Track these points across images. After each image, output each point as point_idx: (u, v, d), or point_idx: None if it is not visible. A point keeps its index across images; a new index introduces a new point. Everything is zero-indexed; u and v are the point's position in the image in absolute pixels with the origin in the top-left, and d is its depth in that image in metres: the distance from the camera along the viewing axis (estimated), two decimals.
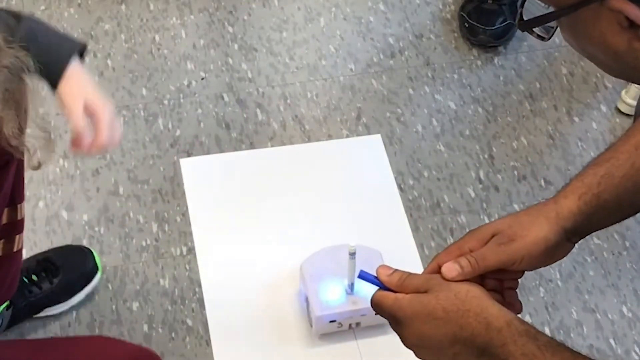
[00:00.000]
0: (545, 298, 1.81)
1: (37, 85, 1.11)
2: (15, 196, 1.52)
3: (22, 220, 1.56)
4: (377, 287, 1.06)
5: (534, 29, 0.97)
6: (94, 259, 1.79)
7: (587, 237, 1.89)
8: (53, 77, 1.34)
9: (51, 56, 1.33)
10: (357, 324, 1.68)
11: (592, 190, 1.06)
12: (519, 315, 1.00)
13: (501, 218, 1.08)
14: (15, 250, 1.57)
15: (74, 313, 1.76)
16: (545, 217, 1.05)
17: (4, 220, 1.50)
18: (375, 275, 1.05)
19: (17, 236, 1.57)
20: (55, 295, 1.74)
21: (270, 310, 1.73)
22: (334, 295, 1.64)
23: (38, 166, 1.19)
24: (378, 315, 1.67)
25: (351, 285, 1.64)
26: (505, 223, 1.06)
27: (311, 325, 1.68)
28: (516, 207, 1.95)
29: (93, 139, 1.35)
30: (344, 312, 1.64)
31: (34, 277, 1.72)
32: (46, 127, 1.15)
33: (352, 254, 1.60)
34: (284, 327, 1.71)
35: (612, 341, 1.76)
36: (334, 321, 1.65)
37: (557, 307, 1.80)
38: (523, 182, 2.00)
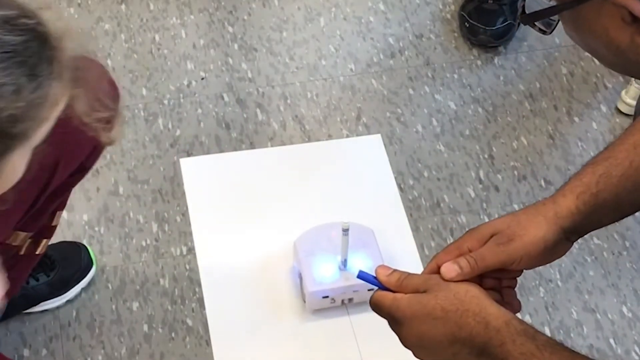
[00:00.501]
0: (545, 298, 1.81)
1: (104, 63, 1.12)
2: (61, 203, 1.53)
3: (54, 227, 1.58)
4: (376, 287, 1.06)
5: (535, 23, 0.97)
6: (89, 254, 1.80)
7: (587, 237, 1.90)
8: None
9: None
10: (350, 300, 1.69)
11: (590, 190, 1.06)
12: (518, 315, 1.00)
13: (500, 217, 1.08)
14: (37, 252, 1.58)
15: (74, 313, 1.76)
16: (543, 216, 1.05)
17: (22, 248, 1.51)
18: (374, 275, 1.05)
19: (44, 240, 1.58)
20: (51, 288, 1.74)
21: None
22: (327, 272, 1.66)
23: (112, 142, 1.23)
24: (371, 292, 1.71)
25: (344, 262, 1.66)
26: (504, 223, 1.06)
27: (304, 301, 1.69)
28: (516, 207, 1.95)
29: None
30: (337, 288, 1.65)
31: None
32: (115, 104, 1.18)
33: (346, 230, 1.61)
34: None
35: (612, 341, 1.76)
36: (327, 297, 1.67)
37: (557, 307, 1.80)
38: (523, 182, 2.00)
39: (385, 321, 1.61)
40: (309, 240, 1.70)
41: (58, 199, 1.51)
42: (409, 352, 1.04)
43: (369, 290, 1.64)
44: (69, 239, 1.86)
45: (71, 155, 1.43)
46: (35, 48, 0.97)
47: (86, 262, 1.79)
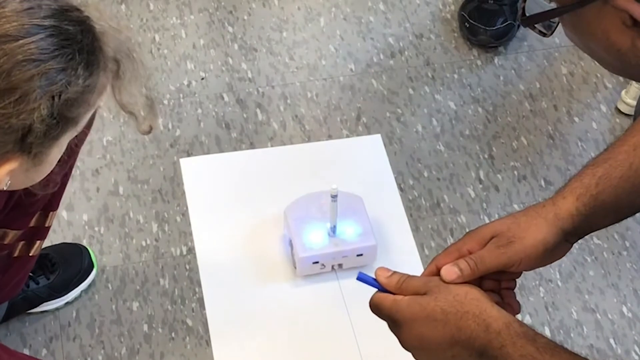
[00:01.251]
0: (545, 298, 1.81)
1: (141, 56, 1.20)
2: (52, 203, 1.53)
3: (47, 228, 1.59)
4: (375, 289, 1.05)
5: (535, 25, 0.97)
6: (90, 256, 1.80)
7: (587, 237, 1.89)
8: None
9: None
10: (340, 266, 1.73)
11: (590, 191, 1.06)
12: (518, 316, 1.00)
13: (499, 219, 1.08)
14: (31, 254, 1.58)
15: (74, 313, 1.76)
16: (543, 218, 1.05)
17: (32, 223, 1.51)
18: (374, 277, 1.05)
19: (38, 242, 1.58)
20: (51, 290, 1.74)
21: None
22: (317, 238, 1.70)
23: (149, 130, 1.29)
24: (359, 257, 1.74)
25: (333, 228, 1.69)
26: (504, 225, 1.06)
27: (295, 267, 1.72)
28: (516, 207, 1.95)
29: None
30: (327, 253, 1.69)
31: (31, 273, 1.72)
32: (149, 94, 1.25)
33: (334, 197, 1.65)
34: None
35: (612, 341, 1.76)
36: (317, 262, 1.71)
37: (557, 307, 1.80)
38: (523, 182, 2.00)
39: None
40: (298, 208, 1.74)
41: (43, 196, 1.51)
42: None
43: (357, 255, 1.71)
44: (69, 238, 1.86)
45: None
46: (89, 39, 1.06)
47: (87, 264, 1.79)
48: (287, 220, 1.73)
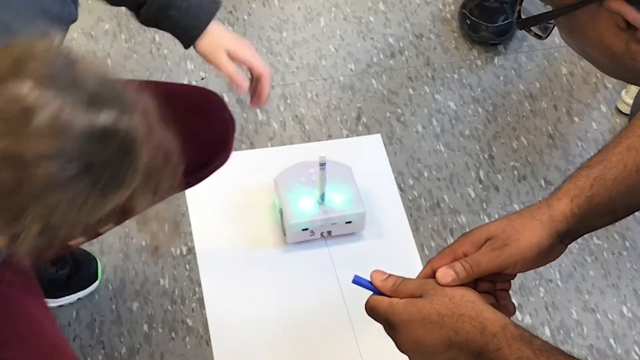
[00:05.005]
0: (545, 298, 1.81)
1: (104, 63, 1.08)
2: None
3: (98, 234, 1.55)
4: (371, 292, 1.05)
5: (531, 28, 0.97)
6: (97, 268, 1.80)
7: (587, 237, 1.90)
8: (193, 36, 1.49)
9: (190, 18, 1.47)
10: (329, 233, 1.77)
11: (584, 193, 1.06)
12: (518, 315, 1.00)
13: (494, 221, 1.08)
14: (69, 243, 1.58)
15: (74, 313, 1.76)
16: (538, 220, 1.05)
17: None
18: (370, 280, 1.05)
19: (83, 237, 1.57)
20: (52, 286, 1.74)
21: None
22: (306, 206, 1.75)
23: (155, 250, 1.11)
24: (348, 225, 1.77)
25: (322, 196, 1.74)
26: (499, 227, 1.06)
27: (285, 234, 1.76)
28: (516, 207, 1.95)
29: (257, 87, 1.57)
30: (316, 220, 1.74)
31: None
32: (176, 214, 1.10)
33: (323, 165, 1.69)
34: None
35: (612, 341, 1.76)
36: (306, 230, 1.75)
37: (557, 307, 1.80)
38: (523, 182, 2.00)
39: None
40: (288, 177, 1.79)
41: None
42: None
43: (346, 223, 1.74)
44: None
45: None
46: (118, 161, 0.89)
47: (92, 274, 1.79)
48: (277, 189, 1.78)
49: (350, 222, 1.76)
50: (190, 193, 1.91)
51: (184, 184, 1.55)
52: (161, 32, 2.26)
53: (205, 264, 1.82)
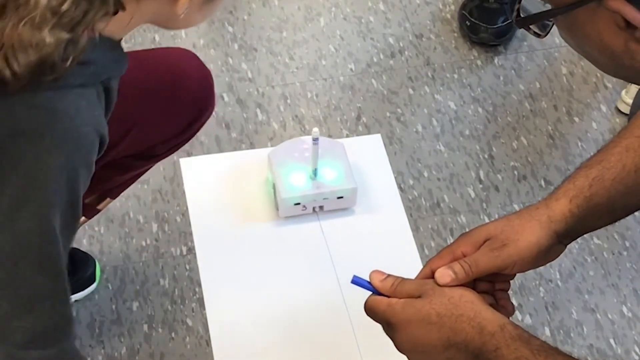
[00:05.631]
0: (545, 298, 1.81)
1: None
2: (114, 190, 1.58)
3: (96, 211, 1.62)
4: (370, 292, 1.05)
5: (530, 26, 0.97)
6: (95, 269, 1.79)
7: (587, 237, 1.90)
8: None
9: None
10: (321, 208, 1.78)
11: (583, 193, 1.06)
12: (518, 315, 1.00)
13: (492, 221, 1.08)
14: None
15: (74, 313, 1.76)
16: (537, 221, 1.05)
17: (87, 199, 1.51)
18: (369, 280, 1.05)
19: (83, 218, 1.59)
20: None
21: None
22: (299, 181, 1.76)
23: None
24: (340, 200, 1.80)
25: (314, 171, 1.75)
26: (498, 227, 1.06)
27: (277, 209, 1.77)
28: (516, 207, 1.95)
29: None
30: (308, 195, 1.75)
31: None
32: None
33: (315, 140, 1.71)
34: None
35: (612, 341, 1.76)
36: (298, 204, 1.76)
37: (557, 307, 1.80)
38: (523, 182, 2.00)
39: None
40: (282, 152, 1.80)
41: (111, 175, 1.53)
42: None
43: (338, 198, 1.77)
44: None
45: (145, 130, 1.44)
46: None
47: (89, 275, 1.78)
48: (270, 164, 1.80)
49: (342, 197, 1.79)
50: (191, 194, 1.92)
51: (177, 144, 1.57)
52: (161, 32, 2.27)
53: (205, 264, 1.82)
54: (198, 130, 1.62)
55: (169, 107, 1.51)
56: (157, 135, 1.51)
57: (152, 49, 1.72)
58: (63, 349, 1.11)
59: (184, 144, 1.63)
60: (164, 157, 1.59)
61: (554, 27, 0.96)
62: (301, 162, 1.79)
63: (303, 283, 1.76)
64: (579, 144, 2.07)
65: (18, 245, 1.02)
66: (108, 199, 1.64)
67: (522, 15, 0.94)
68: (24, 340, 1.05)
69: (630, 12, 0.82)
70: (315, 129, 1.72)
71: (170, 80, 1.51)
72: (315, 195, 1.77)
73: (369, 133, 2.07)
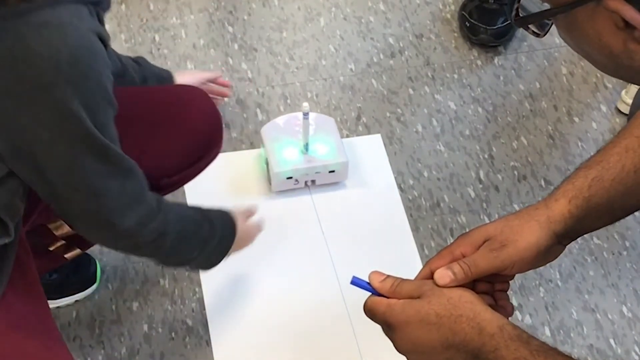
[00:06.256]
0: (545, 298, 1.81)
1: None
2: None
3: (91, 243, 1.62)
4: (369, 293, 1.05)
5: (529, 26, 0.97)
6: (96, 270, 1.79)
7: (587, 237, 1.90)
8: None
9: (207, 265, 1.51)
10: (313, 182, 1.86)
11: (582, 194, 1.06)
12: (517, 315, 1.00)
13: (492, 222, 1.08)
14: (65, 256, 1.60)
15: (74, 313, 1.76)
16: (536, 221, 1.05)
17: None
18: (368, 281, 1.05)
19: (77, 250, 1.62)
20: (46, 288, 1.73)
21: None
22: (291, 155, 1.83)
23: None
24: (331, 174, 1.84)
25: (306, 146, 1.82)
26: (497, 228, 1.06)
27: (270, 183, 1.85)
28: (516, 207, 1.95)
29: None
30: (300, 169, 1.82)
31: None
32: None
33: (306, 114, 1.77)
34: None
35: (612, 341, 1.76)
36: (291, 178, 1.83)
37: (557, 307, 1.80)
38: (523, 182, 2.00)
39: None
40: (274, 128, 1.87)
41: None
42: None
43: (330, 172, 1.81)
44: None
45: (151, 162, 1.42)
46: None
47: (90, 275, 1.78)
48: (263, 140, 1.85)
49: (333, 171, 1.84)
50: (191, 196, 1.92)
51: (181, 181, 1.57)
52: (161, 32, 2.27)
53: None
54: (204, 168, 1.61)
55: (176, 141, 1.51)
56: (163, 169, 1.50)
57: (166, 86, 1.72)
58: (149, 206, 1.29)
59: (187, 181, 1.61)
60: (167, 193, 1.56)
61: (553, 26, 0.96)
62: (293, 137, 1.84)
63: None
64: (579, 144, 2.07)
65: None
66: (78, 250, 1.64)
67: (521, 15, 0.94)
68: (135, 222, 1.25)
69: (629, 12, 0.82)
70: (306, 104, 1.76)
71: (179, 115, 1.52)
72: (307, 169, 1.82)
73: (369, 133, 2.07)
